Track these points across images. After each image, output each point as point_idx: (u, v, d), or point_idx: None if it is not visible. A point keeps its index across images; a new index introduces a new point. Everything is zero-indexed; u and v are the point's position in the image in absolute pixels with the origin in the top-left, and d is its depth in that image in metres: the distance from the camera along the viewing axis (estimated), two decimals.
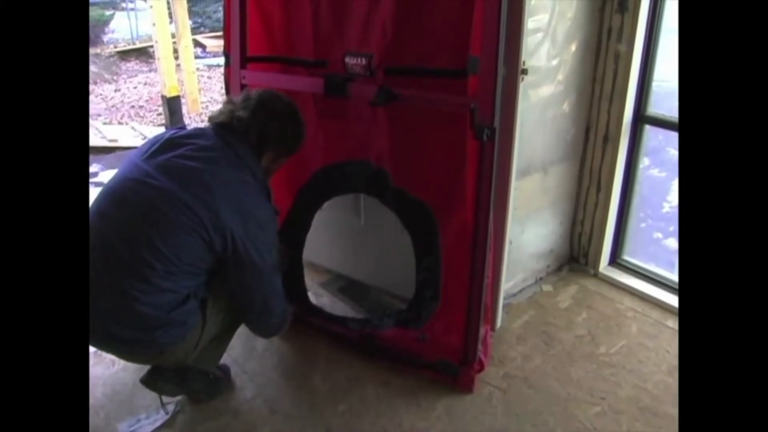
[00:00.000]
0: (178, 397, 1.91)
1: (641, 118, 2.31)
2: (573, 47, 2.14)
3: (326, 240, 2.50)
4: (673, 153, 3.04)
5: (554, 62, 2.09)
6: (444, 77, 1.81)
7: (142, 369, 1.84)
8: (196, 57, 5.30)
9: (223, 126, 1.76)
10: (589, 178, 2.42)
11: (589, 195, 2.45)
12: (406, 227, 2.04)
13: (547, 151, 2.24)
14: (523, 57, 1.80)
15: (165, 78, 5.06)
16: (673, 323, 2.22)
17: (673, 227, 3.24)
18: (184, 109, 5.26)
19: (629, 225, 2.51)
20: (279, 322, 1.94)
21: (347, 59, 1.94)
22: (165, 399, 1.87)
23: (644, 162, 2.52)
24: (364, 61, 1.91)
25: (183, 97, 5.12)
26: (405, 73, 1.88)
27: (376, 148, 2.02)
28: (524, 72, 1.81)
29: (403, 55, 1.87)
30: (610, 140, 2.31)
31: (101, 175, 4.43)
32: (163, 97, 5.22)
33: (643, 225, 2.65)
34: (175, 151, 1.66)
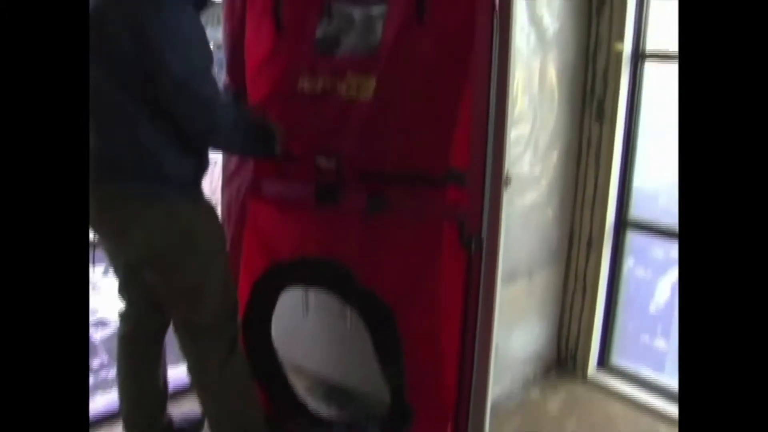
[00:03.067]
0: None
1: (623, 223, 2.36)
2: (554, 155, 2.21)
3: (312, 343, 2.47)
4: (658, 253, 3.07)
5: (537, 170, 2.15)
6: (422, 184, 1.84)
7: None
8: None
9: None
10: (574, 282, 2.45)
11: (575, 299, 2.46)
12: (369, 331, 2.01)
13: (532, 256, 2.27)
14: (507, 166, 1.86)
15: None
16: (665, 430, 2.19)
17: (661, 327, 3.23)
18: None
19: (616, 327, 2.51)
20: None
21: (318, 161, 1.97)
22: None
23: (629, 262, 2.56)
24: (334, 163, 1.94)
25: None
26: (381, 178, 1.91)
27: (343, 245, 2.02)
28: (507, 182, 1.86)
29: (379, 160, 1.91)
30: (593, 245, 2.35)
31: None
32: None
33: (630, 326, 2.65)
34: None
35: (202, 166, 1.85)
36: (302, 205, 2.03)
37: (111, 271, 2.00)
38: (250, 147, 1.94)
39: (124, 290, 1.96)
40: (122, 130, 1.70)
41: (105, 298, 3.74)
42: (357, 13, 2.04)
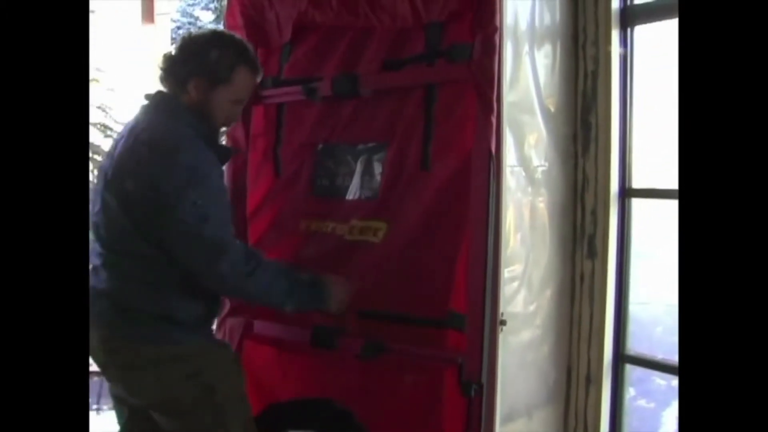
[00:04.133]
0: None
1: (622, 357, 2.34)
2: (548, 292, 2.22)
3: None
4: (660, 382, 3.03)
5: (531, 308, 2.15)
6: (421, 326, 1.85)
7: None
8: None
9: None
10: (575, 420, 2.38)
11: None
12: None
13: (530, 396, 2.22)
14: (501, 308, 1.86)
15: None
16: None
17: None
18: None
19: None
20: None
21: None
22: None
23: (630, 393, 2.51)
24: None
25: None
26: (381, 318, 1.91)
27: (342, 388, 1.98)
28: (503, 323, 1.86)
29: (380, 301, 1.92)
30: (592, 381, 2.31)
31: None
32: None
33: None
34: None
35: (214, 308, 1.86)
36: (298, 349, 2.01)
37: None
38: (281, 298, 1.84)
39: None
40: (134, 269, 1.73)
41: None
42: (352, 156, 2.12)
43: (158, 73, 1.88)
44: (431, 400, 1.81)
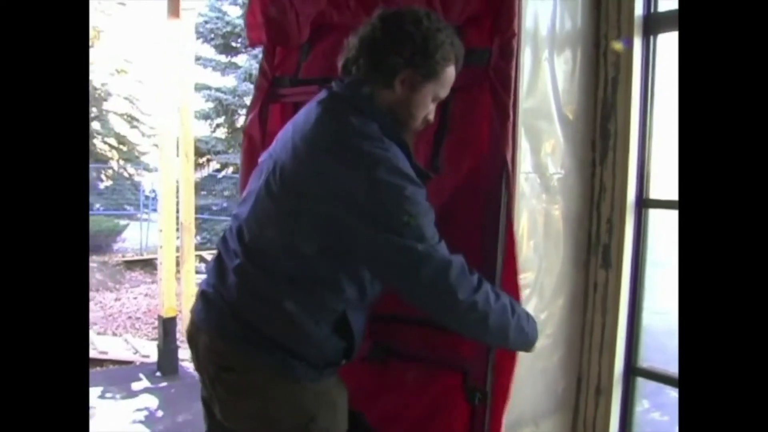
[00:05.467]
0: None
1: (633, 370, 2.31)
2: (560, 301, 2.20)
3: None
4: (674, 395, 2.99)
5: (542, 316, 2.13)
6: (429, 330, 1.84)
7: None
8: (198, 273, 5.41)
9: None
10: (583, 431, 2.36)
11: None
12: None
13: (538, 404, 2.20)
14: None
15: (164, 298, 5.13)
16: None
17: None
18: (180, 328, 5.27)
19: None
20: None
21: None
22: None
23: (643, 405, 2.48)
24: None
25: (180, 318, 5.15)
26: (388, 321, 1.91)
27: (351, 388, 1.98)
28: None
29: (391, 302, 1.91)
30: (602, 392, 2.29)
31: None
32: (159, 316, 5.25)
33: None
34: None
35: (349, 351, 1.63)
36: None
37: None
38: (503, 337, 1.62)
39: None
40: (274, 289, 1.55)
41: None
42: None
43: (348, 59, 1.61)
44: (436, 406, 1.80)
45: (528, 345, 1.69)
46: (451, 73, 1.62)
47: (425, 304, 1.58)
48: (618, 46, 2.17)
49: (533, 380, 2.16)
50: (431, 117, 1.66)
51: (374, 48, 1.55)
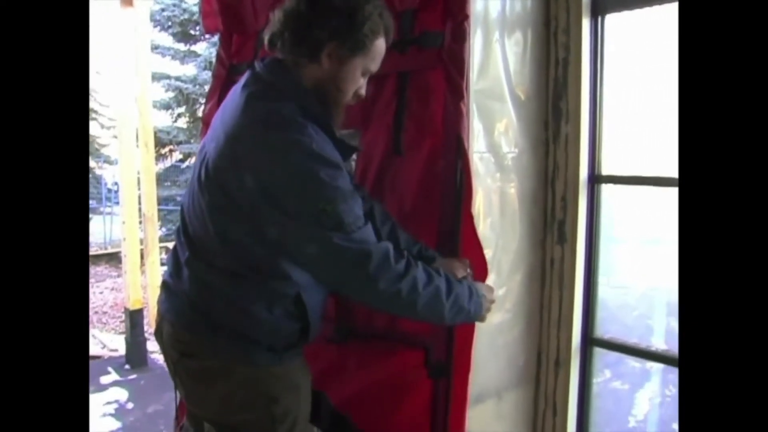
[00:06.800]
0: None
1: (590, 341, 2.39)
2: (518, 277, 2.26)
3: None
4: (634, 365, 3.09)
5: (501, 292, 2.18)
6: None
7: None
8: (163, 264, 5.39)
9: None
10: (544, 402, 2.43)
11: (545, 419, 2.44)
12: None
13: (501, 377, 2.27)
14: None
15: (130, 291, 5.09)
16: None
17: None
18: (147, 320, 5.24)
19: None
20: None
21: None
22: None
23: (605, 375, 2.56)
24: None
25: (146, 309, 5.12)
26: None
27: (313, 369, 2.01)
28: None
29: None
30: (561, 364, 2.36)
31: None
32: (126, 309, 5.22)
33: None
34: None
35: (306, 332, 1.61)
36: None
37: None
38: (438, 317, 1.60)
39: None
40: (221, 282, 1.55)
41: None
42: None
43: (273, 34, 1.55)
44: (399, 383, 1.84)
45: (471, 320, 1.69)
46: (380, 46, 1.56)
47: (347, 292, 1.61)
48: None
49: (495, 355, 2.22)
50: (362, 92, 1.62)
51: (298, 21, 1.50)
